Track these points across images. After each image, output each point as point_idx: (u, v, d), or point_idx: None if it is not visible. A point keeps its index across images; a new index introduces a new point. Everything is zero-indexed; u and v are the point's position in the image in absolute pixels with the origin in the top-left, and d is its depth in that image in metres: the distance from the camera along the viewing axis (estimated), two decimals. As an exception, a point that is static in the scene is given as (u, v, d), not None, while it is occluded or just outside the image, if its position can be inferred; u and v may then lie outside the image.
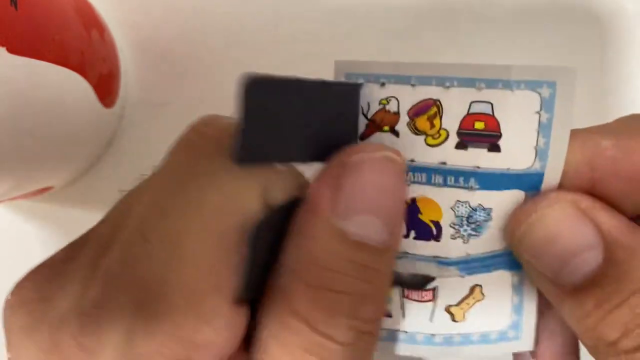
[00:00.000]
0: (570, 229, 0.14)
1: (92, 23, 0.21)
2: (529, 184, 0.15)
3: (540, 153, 0.14)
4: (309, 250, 0.13)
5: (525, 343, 0.16)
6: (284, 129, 0.13)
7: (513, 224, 0.14)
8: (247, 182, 0.13)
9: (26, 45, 0.16)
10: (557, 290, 0.14)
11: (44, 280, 0.13)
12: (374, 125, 0.15)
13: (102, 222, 0.14)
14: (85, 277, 0.12)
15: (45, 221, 0.25)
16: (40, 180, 0.22)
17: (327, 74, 0.23)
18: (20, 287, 0.13)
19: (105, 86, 0.22)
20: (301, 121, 0.13)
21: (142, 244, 0.12)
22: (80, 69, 0.19)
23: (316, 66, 0.23)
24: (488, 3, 0.23)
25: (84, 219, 0.24)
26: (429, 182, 0.15)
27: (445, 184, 0.15)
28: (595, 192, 0.14)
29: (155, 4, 0.24)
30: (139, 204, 0.13)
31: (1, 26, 0.15)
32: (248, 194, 0.13)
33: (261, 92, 0.12)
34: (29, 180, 0.21)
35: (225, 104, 0.25)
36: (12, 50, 0.15)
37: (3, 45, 0.15)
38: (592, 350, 0.14)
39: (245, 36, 0.24)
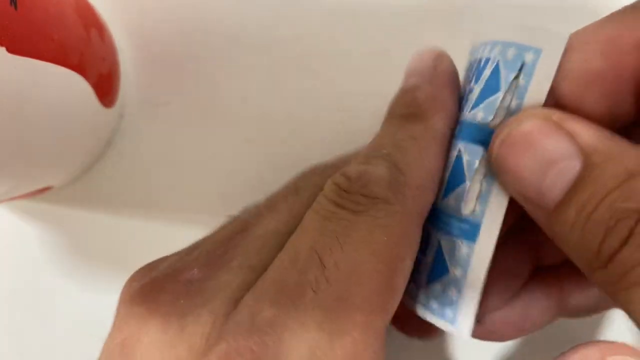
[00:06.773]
0: (543, 140, 0.13)
1: (92, 23, 0.21)
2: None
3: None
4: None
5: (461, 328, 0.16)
6: None
7: (489, 149, 0.15)
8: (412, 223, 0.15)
9: (26, 45, 0.16)
10: (543, 212, 0.14)
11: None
12: None
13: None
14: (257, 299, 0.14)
15: (44, 221, 0.25)
16: (40, 180, 0.22)
17: (328, 74, 0.23)
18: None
19: (105, 86, 0.22)
20: None
21: (320, 268, 0.14)
22: (79, 69, 0.19)
23: (316, 66, 0.23)
24: (490, 2, 0.23)
25: (83, 219, 0.24)
26: None
27: None
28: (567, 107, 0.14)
29: (155, 4, 0.24)
30: (304, 235, 0.15)
31: (1, 26, 0.15)
32: (413, 233, 0.15)
33: None
34: (28, 180, 0.21)
35: (225, 104, 0.25)
36: (12, 50, 0.15)
37: (3, 45, 0.15)
38: (589, 275, 0.13)
39: (245, 36, 0.24)
